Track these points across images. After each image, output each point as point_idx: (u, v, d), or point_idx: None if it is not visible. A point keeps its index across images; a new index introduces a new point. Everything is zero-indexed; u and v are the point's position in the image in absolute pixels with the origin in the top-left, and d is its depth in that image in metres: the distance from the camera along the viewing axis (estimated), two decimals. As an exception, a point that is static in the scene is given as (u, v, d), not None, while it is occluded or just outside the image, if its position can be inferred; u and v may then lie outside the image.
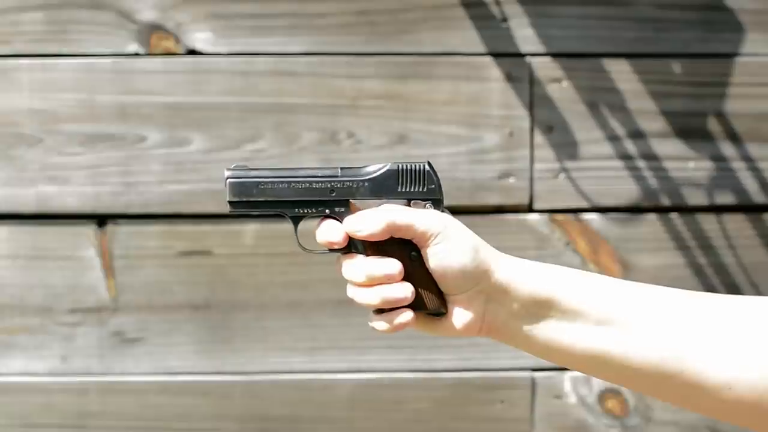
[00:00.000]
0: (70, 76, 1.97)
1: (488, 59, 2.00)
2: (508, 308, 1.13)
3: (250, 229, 1.99)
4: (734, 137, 2.02)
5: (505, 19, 2.00)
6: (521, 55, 2.00)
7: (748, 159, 2.02)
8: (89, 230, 1.98)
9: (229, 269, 2.00)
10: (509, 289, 1.12)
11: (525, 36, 2.00)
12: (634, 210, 2.03)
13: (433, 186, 1.15)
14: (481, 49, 2.00)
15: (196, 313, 2.00)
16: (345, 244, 1.13)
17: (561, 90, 2.01)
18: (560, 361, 1.14)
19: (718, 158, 2.02)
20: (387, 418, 2.01)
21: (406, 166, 1.15)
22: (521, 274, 1.13)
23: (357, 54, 1.99)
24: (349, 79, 1.99)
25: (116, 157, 1.98)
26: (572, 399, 2.03)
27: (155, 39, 1.98)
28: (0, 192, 1.97)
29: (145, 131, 1.98)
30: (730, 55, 2.02)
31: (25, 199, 1.97)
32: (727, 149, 2.02)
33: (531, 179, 2.01)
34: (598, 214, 2.02)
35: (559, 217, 2.02)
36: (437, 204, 1.15)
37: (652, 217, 2.02)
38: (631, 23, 2.01)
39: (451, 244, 1.12)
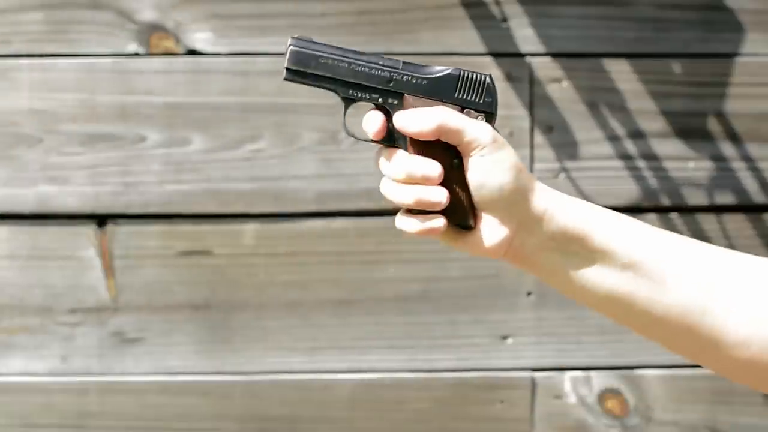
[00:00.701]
0: (70, 76, 1.97)
1: (488, 59, 2.00)
2: (538, 238, 1.11)
3: (250, 229, 1.99)
4: (734, 137, 2.02)
5: (505, 19, 2.00)
6: (521, 55, 2.00)
7: (748, 159, 2.02)
8: (89, 230, 1.98)
9: (229, 269, 2.00)
10: (543, 219, 1.10)
11: (525, 36, 2.00)
12: (634, 210, 2.02)
13: (490, 99, 1.13)
14: (481, 49, 2.00)
15: (196, 313, 2.00)
16: (381, 137, 1.11)
17: (561, 90, 2.01)
18: (582, 300, 1.13)
19: (718, 158, 2.02)
20: (387, 418, 2.01)
21: (468, 74, 1.13)
22: (557, 206, 1.11)
23: (357, 54, 1.99)
24: (349, 79, 1.99)
25: (116, 157, 1.98)
26: (572, 399, 2.03)
27: (155, 39, 1.98)
28: (0, 192, 1.97)
29: (145, 131, 1.98)
30: (730, 55, 2.02)
31: (25, 199, 1.97)
32: (727, 149, 2.02)
33: (531, 179, 2.01)
34: (598, 214, 2.02)
35: (559, 217, 2.02)
36: (490, 118, 1.13)
37: (652, 217, 2.02)
38: (631, 23, 2.01)
39: (495, 159, 1.10)
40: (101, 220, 1.98)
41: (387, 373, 2.01)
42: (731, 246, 2.02)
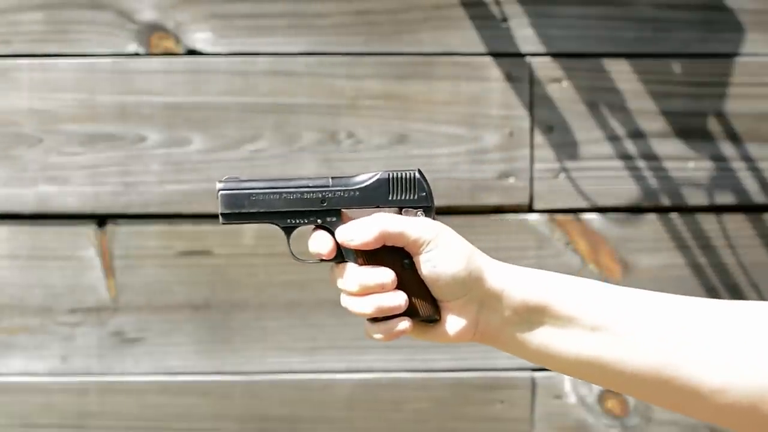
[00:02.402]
0: (70, 76, 1.97)
1: (488, 59, 2.00)
2: (501, 315, 1.13)
3: (250, 229, 1.99)
4: (734, 137, 2.02)
5: (505, 19, 2.00)
6: (521, 55, 2.00)
7: (748, 159, 2.02)
8: (89, 230, 1.98)
9: (229, 269, 2.00)
10: (502, 296, 1.13)
11: (525, 36, 2.00)
12: (634, 210, 2.02)
13: (423, 193, 1.15)
14: (481, 49, 2.00)
15: (196, 313, 2.00)
16: (333, 255, 1.14)
17: (561, 90, 2.01)
18: (554, 367, 1.14)
19: (718, 158, 2.02)
20: (386, 418, 2.01)
21: (397, 174, 1.15)
22: (514, 281, 1.13)
23: (356, 54, 1.99)
24: (349, 79, 1.99)
25: (116, 157, 1.98)
26: (572, 399, 2.03)
27: (155, 39, 1.98)
28: (0, 192, 1.97)
29: (145, 131, 1.98)
30: (730, 55, 2.02)
31: (25, 199, 1.97)
32: (727, 149, 2.02)
33: (531, 179, 2.01)
34: (598, 214, 2.02)
35: (559, 217, 2.02)
36: (428, 211, 1.15)
37: (652, 217, 2.02)
38: (631, 23, 2.01)
39: (443, 251, 1.12)
40: (101, 220, 1.99)
41: (385, 373, 2.01)
42: (731, 246, 2.02)
